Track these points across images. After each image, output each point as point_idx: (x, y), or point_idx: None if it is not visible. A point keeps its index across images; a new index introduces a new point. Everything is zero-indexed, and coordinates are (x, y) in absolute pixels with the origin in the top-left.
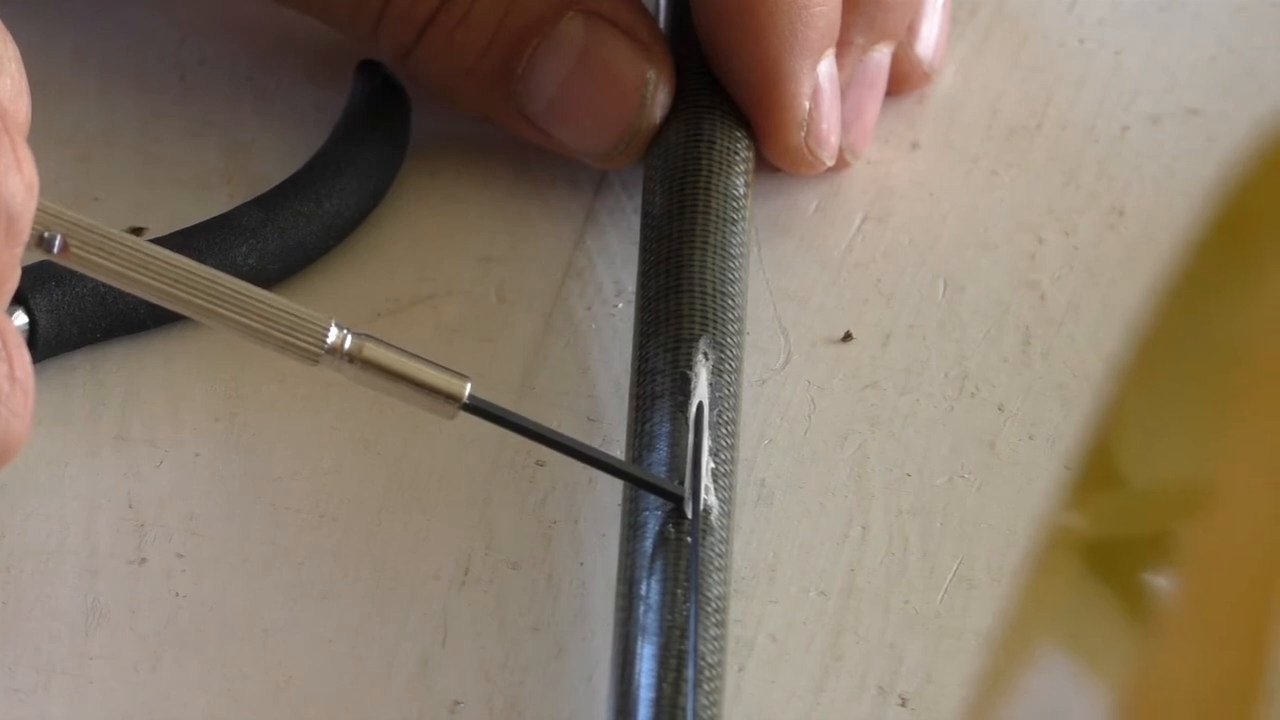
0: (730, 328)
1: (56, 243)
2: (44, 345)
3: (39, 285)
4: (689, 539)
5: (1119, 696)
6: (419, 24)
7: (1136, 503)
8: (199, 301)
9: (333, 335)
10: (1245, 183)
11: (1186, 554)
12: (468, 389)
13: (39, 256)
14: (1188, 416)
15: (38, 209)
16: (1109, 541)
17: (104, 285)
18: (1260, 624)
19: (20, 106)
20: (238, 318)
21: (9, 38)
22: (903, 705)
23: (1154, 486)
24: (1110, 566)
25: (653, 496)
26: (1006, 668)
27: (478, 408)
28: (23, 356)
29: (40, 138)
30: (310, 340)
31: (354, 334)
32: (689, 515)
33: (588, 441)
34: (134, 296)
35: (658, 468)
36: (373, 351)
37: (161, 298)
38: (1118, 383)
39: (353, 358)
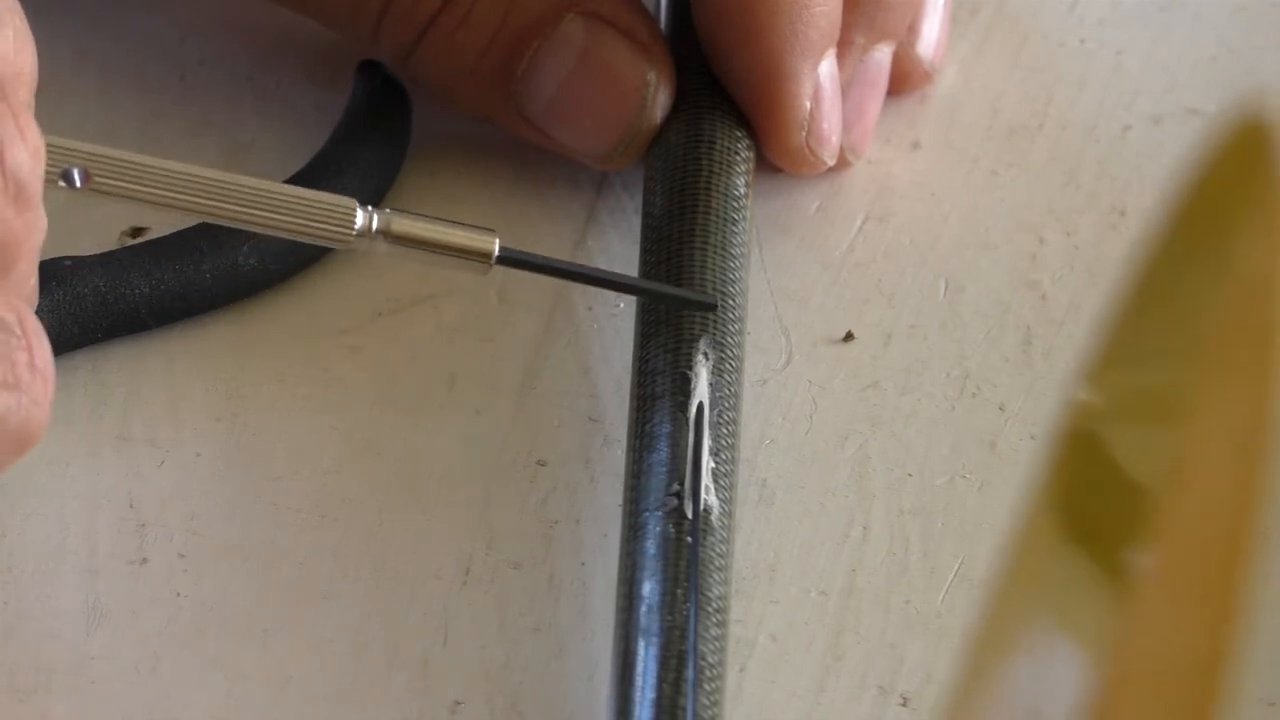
0: (731, 328)
1: (77, 176)
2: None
3: (39, 285)
4: (689, 539)
5: (1098, 668)
6: (420, 25)
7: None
8: (230, 207)
9: (360, 217)
10: (1216, 162)
11: (1158, 528)
12: (496, 244)
13: (65, 193)
14: (1159, 390)
15: (51, 147)
16: (1091, 510)
17: (104, 285)
18: (1228, 598)
19: (25, 58)
20: (269, 214)
21: None
22: (903, 705)
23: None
24: (1091, 541)
25: (653, 498)
26: (991, 646)
27: (510, 258)
28: (43, 345)
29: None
30: (341, 223)
31: (380, 211)
32: (689, 513)
33: (588, 443)
34: (135, 296)
35: (658, 468)
36: (401, 225)
37: (192, 210)
38: (1097, 357)
39: (385, 234)
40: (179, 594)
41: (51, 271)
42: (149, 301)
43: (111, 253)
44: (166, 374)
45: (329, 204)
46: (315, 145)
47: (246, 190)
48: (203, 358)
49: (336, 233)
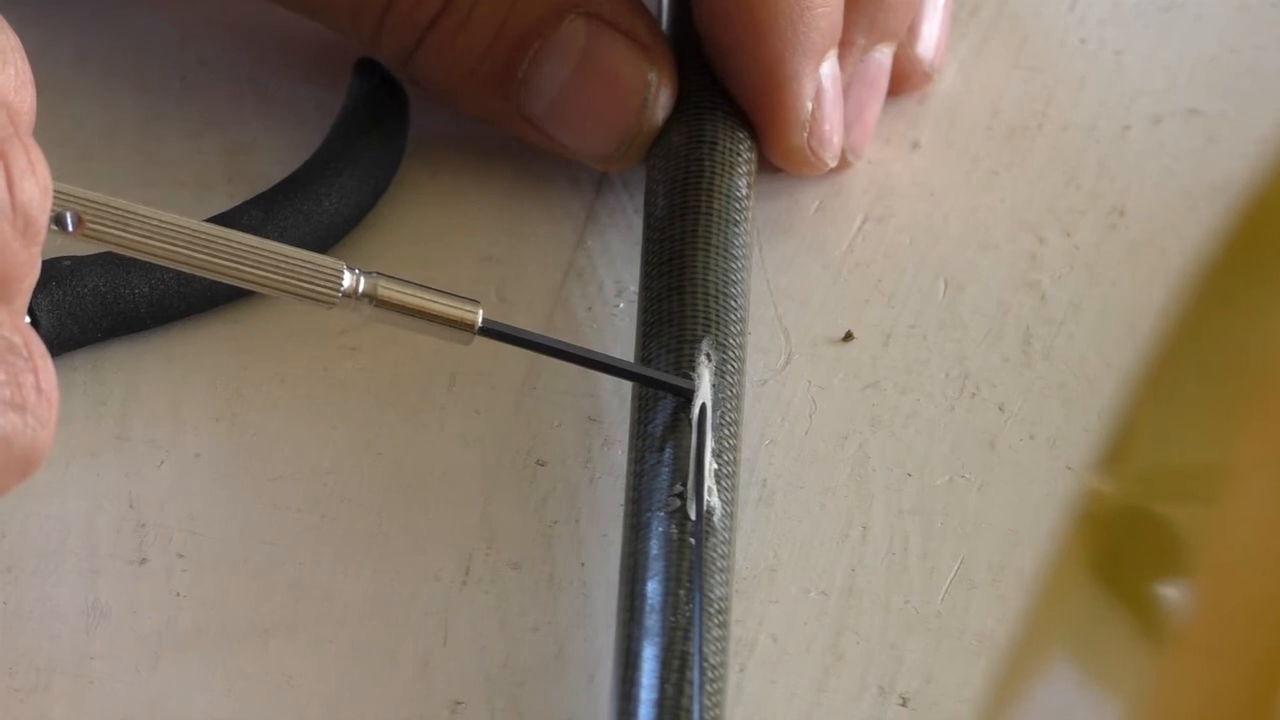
0: (733, 329)
1: (69, 220)
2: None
3: (39, 285)
4: (692, 540)
5: (1131, 713)
6: (420, 27)
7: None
8: (218, 261)
9: (347, 279)
10: (1263, 191)
11: (1199, 569)
12: (480, 315)
13: (55, 237)
14: (1202, 428)
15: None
16: (1122, 544)
17: (104, 285)
18: (1273, 640)
19: (25, 97)
20: (256, 271)
21: (9, 29)
22: (903, 705)
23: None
24: (1122, 580)
25: (656, 499)
26: (1016, 679)
27: (493, 330)
28: (48, 367)
29: (41, 138)
30: (327, 285)
31: (366, 275)
32: (692, 514)
33: (588, 443)
34: (134, 296)
35: (661, 469)
36: (388, 290)
37: (180, 262)
38: (1133, 392)
39: (370, 298)
40: (179, 594)
41: (51, 271)
42: (148, 301)
43: (111, 252)
44: (166, 374)
45: (317, 264)
46: (316, 145)
47: (236, 246)
48: (202, 358)
49: (323, 293)
